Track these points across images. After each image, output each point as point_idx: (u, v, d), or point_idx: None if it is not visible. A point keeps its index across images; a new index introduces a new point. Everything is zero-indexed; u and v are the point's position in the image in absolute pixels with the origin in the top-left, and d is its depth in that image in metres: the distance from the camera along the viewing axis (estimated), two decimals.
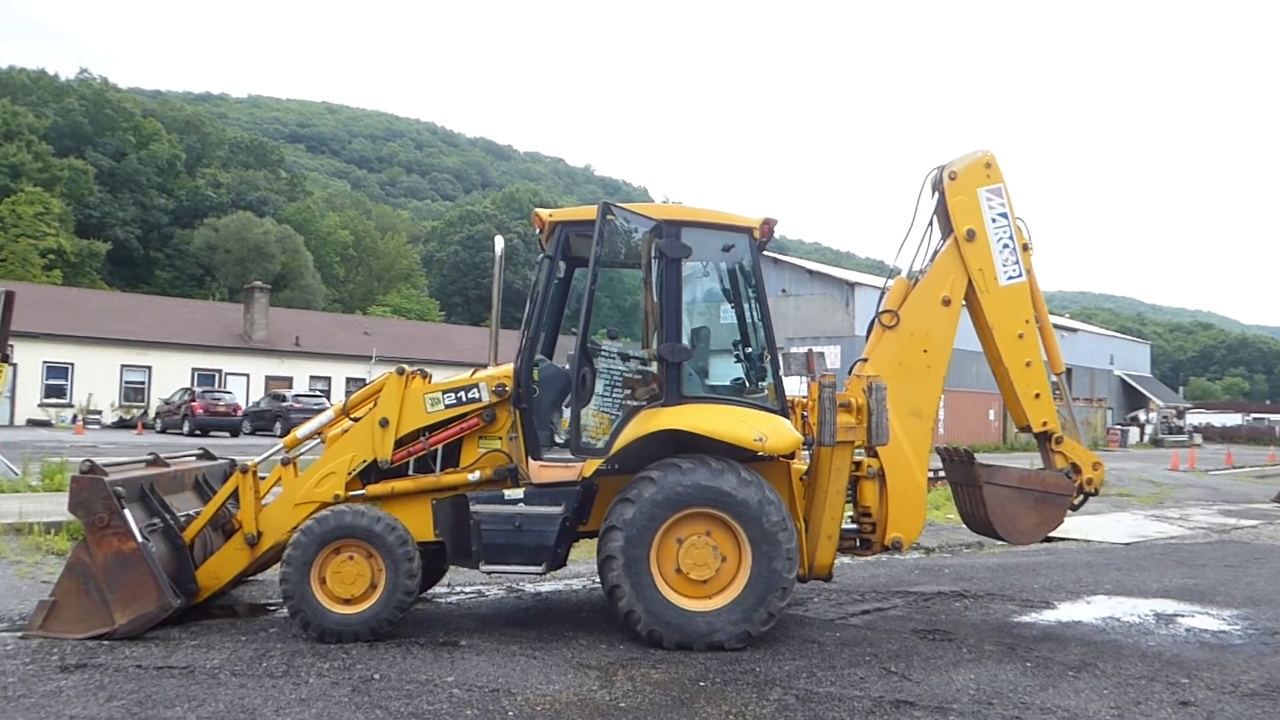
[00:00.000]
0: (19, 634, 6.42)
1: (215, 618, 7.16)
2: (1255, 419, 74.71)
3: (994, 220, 7.67)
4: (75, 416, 38.87)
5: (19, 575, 7.93)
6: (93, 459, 6.68)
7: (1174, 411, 65.51)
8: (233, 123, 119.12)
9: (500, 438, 7.04)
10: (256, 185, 78.33)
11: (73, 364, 41.84)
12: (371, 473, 6.97)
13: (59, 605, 6.36)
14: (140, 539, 6.38)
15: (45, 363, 40.75)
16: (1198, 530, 14.55)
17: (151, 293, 60.63)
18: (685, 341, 6.80)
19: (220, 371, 45.83)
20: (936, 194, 7.81)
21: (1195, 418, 71.20)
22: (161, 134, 74.84)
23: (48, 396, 41.13)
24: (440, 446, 7.02)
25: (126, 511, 6.41)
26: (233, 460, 8.13)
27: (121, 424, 41.00)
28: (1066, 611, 8.21)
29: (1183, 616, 8.02)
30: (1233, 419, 75.33)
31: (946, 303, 7.61)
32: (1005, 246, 7.67)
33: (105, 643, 6.19)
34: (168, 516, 6.96)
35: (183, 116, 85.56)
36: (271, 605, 7.68)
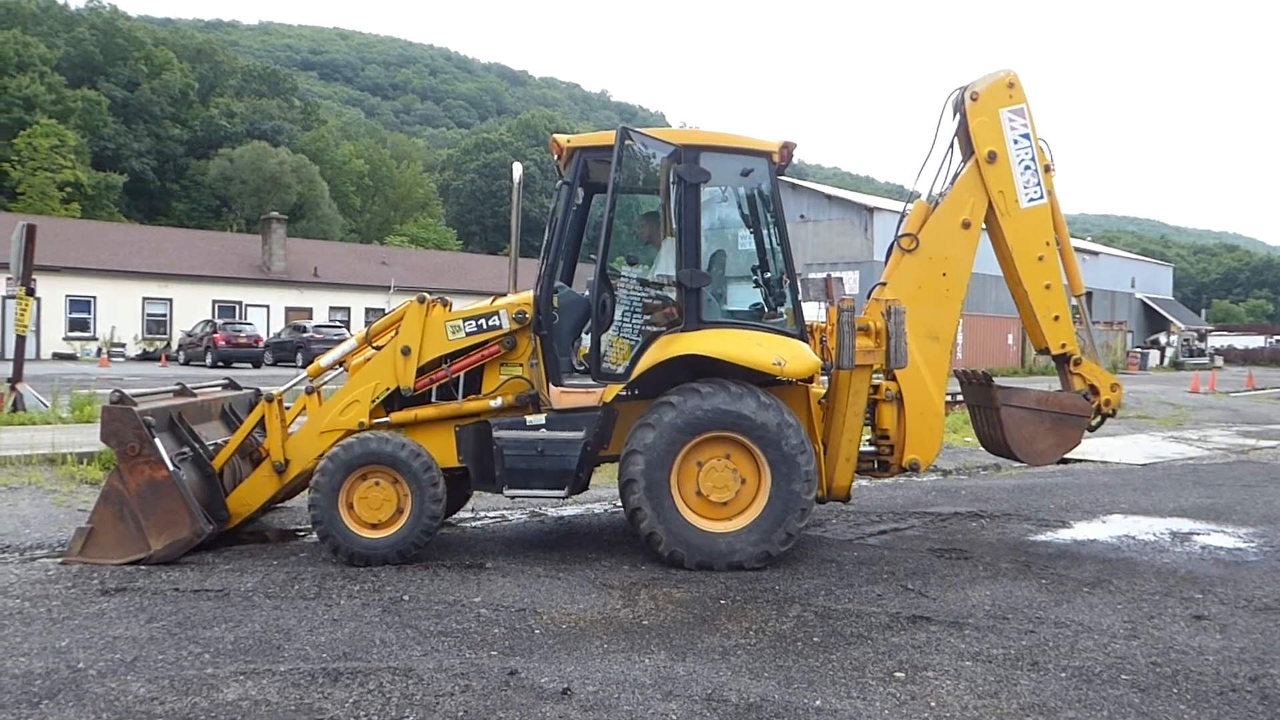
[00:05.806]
0: (59, 560, 6.61)
1: (246, 543, 7.33)
2: (1279, 341, 73.95)
3: (1016, 142, 7.57)
4: (100, 349, 39.24)
5: (55, 504, 8.13)
6: (121, 390, 6.79)
7: (1195, 334, 65.00)
8: (244, 50, 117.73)
9: (521, 364, 7.09)
10: (270, 114, 77.75)
11: (95, 297, 42.11)
12: (395, 400, 7.04)
13: (96, 532, 6.51)
14: (171, 467, 6.50)
15: (68, 296, 41.01)
16: (1216, 451, 14.58)
17: (169, 225, 60.66)
18: (704, 267, 6.80)
19: (241, 303, 46.09)
20: (958, 115, 7.70)
21: (1217, 340, 70.62)
22: (173, 63, 74.12)
23: (72, 330, 41.49)
24: (462, 374, 7.08)
25: (157, 440, 6.52)
26: (258, 390, 8.25)
27: (145, 356, 41.42)
28: (1082, 530, 8.30)
29: (1198, 535, 8.10)
30: (1255, 341, 74.56)
31: (966, 225, 7.55)
32: (1027, 168, 7.58)
33: (142, 567, 6.35)
34: (197, 445, 7.10)
35: (194, 45, 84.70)
36: (301, 531, 7.86)
